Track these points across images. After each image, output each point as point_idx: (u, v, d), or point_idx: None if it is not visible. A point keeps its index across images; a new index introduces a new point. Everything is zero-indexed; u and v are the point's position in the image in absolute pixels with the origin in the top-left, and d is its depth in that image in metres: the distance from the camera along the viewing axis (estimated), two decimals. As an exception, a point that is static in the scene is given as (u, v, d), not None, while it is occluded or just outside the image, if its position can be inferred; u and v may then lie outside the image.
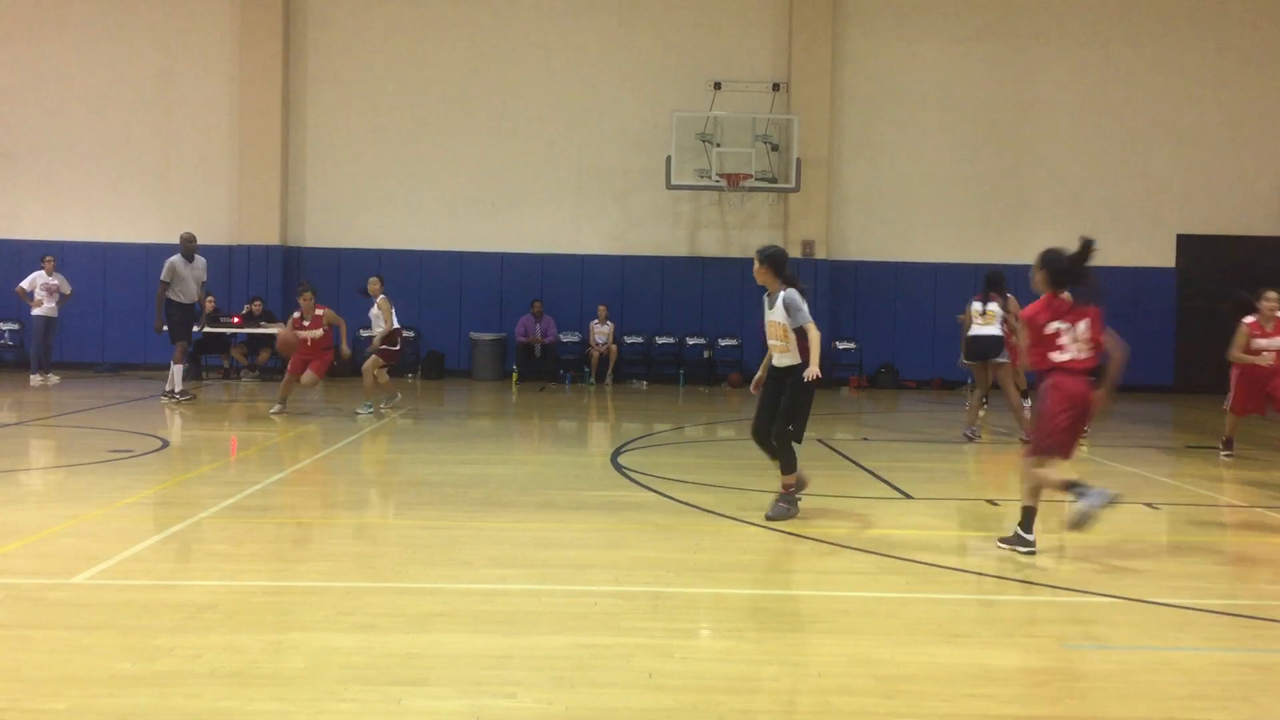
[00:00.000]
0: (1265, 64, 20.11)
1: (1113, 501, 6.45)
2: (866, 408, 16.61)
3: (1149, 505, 8.57)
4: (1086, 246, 6.58)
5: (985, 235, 20.00)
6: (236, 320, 18.63)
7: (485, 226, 20.06)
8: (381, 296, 13.73)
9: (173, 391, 14.14)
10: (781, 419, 7.35)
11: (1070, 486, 6.59)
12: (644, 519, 7.50)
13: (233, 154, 19.77)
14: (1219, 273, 20.26)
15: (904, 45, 20.09)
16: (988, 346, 12.00)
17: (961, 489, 9.09)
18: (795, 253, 19.73)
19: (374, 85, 19.95)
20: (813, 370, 7.20)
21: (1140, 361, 19.72)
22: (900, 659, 4.71)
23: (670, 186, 19.17)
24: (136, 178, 19.84)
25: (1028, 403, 14.72)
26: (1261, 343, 10.77)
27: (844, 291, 20.02)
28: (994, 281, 12.04)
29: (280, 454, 10.41)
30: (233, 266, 19.41)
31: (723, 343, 19.72)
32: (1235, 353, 10.94)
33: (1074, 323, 6.68)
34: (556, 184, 20.07)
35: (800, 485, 7.56)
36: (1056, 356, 6.66)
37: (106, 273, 19.57)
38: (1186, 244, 20.29)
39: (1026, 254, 21.35)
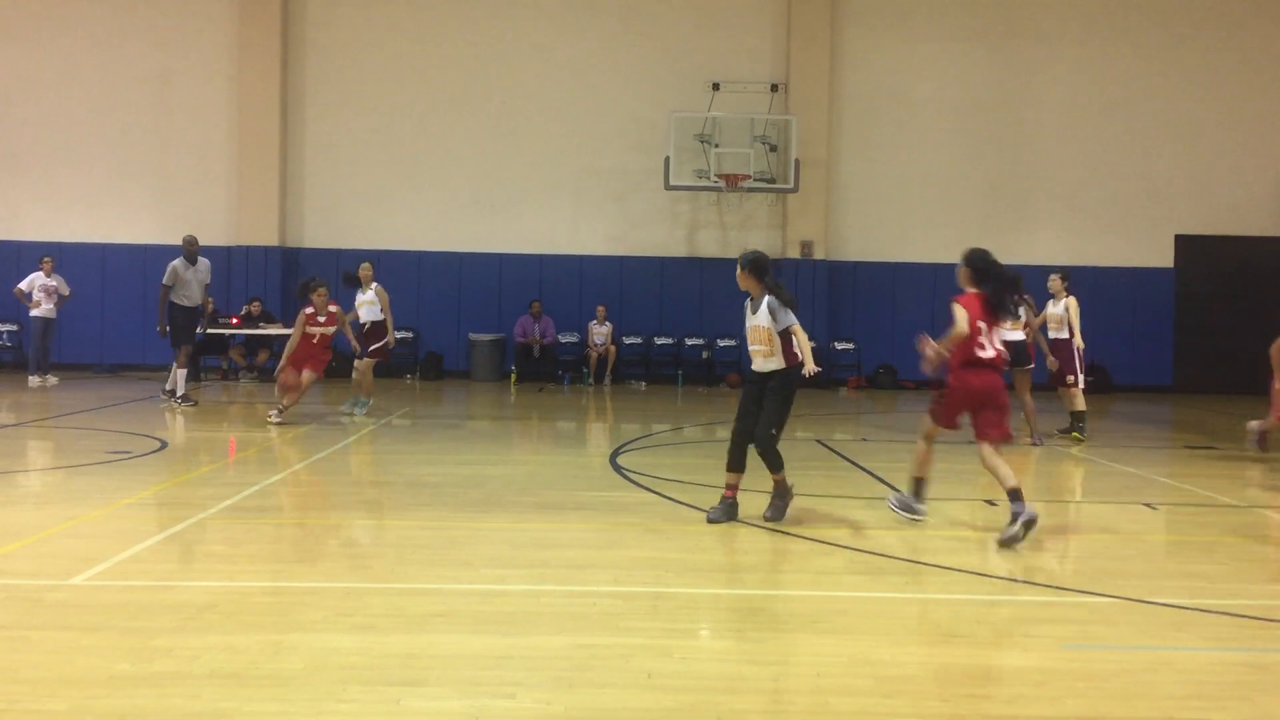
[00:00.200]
0: (1264, 64, 20.12)
1: (1030, 523, 6.76)
2: (865, 408, 16.61)
3: (1148, 505, 8.58)
4: (1011, 277, 7.25)
5: (984, 235, 19.91)
6: (235, 321, 18.62)
7: (484, 227, 20.06)
8: (376, 284, 13.64)
9: (173, 392, 14.10)
10: (764, 424, 7.33)
11: (1014, 495, 6.86)
12: (643, 519, 7.49)
13: (231, 155, 19.77)
14: (1217, 273, 20.32)
15: (902, 45, 20.11)
16: (1020, 352, 11.86)
17: (960, 489, 9.09)
18: (794, 253, 19.77)
19: (373, 86, 19.95)
20: (810, 367, 7.20)
21: (1139, 361, 20.12)
22: (899, 659, 4.71)
23: (669, 187, 19.17)
24: (135, 178, 19.84)
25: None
26: None
27: (843, 292, 20.02)
28: (1019, 285, 11.95)
29: (279, 455, 10.40)
30: (231, 267, 19.40)
31: (721, 343, 19.73)
32: None
33: (992, 325, 7.09)
34: (555, 184, 20.07)
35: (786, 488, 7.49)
36: (979, 353, 7.03)
37: (105, 274, 19.56)
38: (1185, 244, 20.31)
39: (1026, 254, 21.36)
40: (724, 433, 13.72)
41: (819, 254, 19.80)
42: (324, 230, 20.04)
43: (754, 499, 7.60)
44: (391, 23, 19.96)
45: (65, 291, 17.22)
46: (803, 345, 7.25)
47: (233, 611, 5.13)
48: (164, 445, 10.65)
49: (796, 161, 18.97)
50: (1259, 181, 20.23)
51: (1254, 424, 11.33)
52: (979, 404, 7.09)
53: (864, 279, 20.04)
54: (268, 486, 8.51)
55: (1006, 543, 6.76)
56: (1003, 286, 7.14)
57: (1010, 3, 20.16)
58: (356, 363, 13.46)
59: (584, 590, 5.64)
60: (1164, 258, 20.34)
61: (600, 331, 19.58)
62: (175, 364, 14.19)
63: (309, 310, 12.67)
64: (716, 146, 18.84)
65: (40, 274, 17.01)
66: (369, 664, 4.45)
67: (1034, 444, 11.85)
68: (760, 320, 7.34)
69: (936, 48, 20.10)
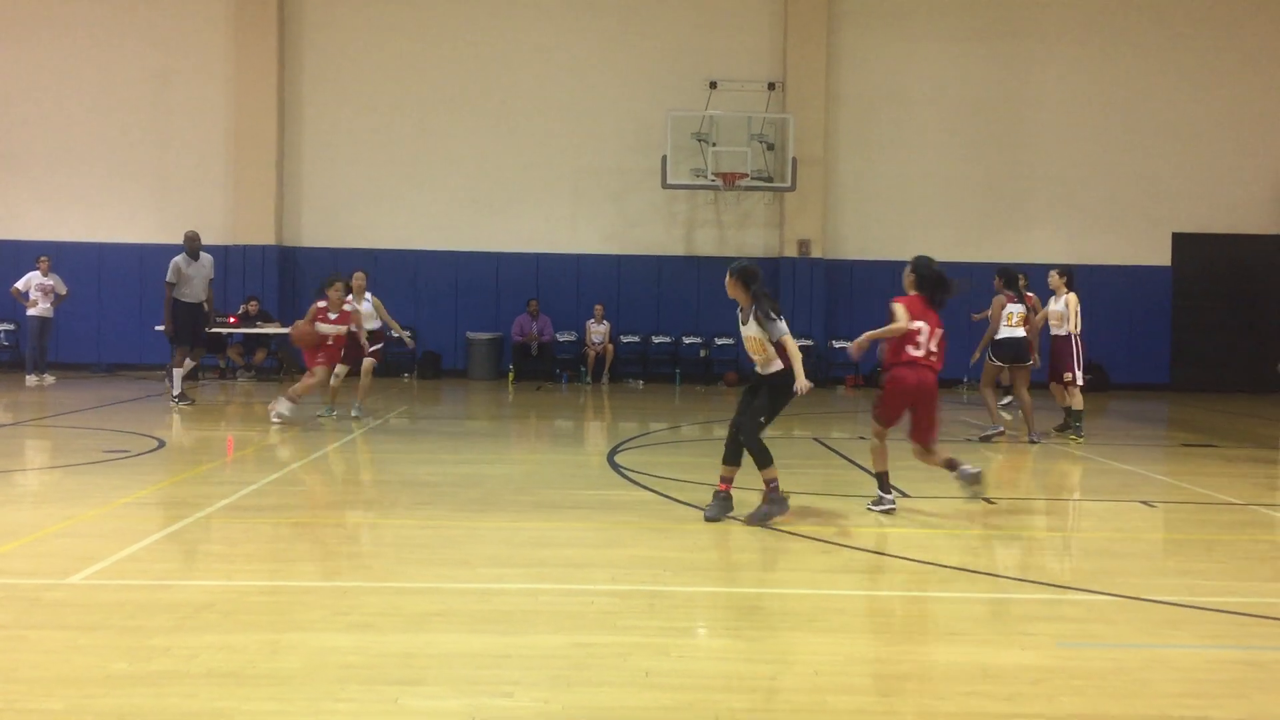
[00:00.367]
0: (1261, 63, 20.15)
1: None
2: (862, 406, 16.61)
3: (1145, 503, 8.58)
4: (950, 280, 7.73)
5: (981, 234, 20.02)
6: (232, 320, 18.62)
7: (481, 226, 20.06)
8: (370, 294, 13.58)
9: (182, 394, 14.08)
10: (753, 412, 7.33)
11: (952, 466, 7.70)
12: (641, 518, 7.50)
13: (229, 154, 19.77)
14: (1214, 271, 20.34)
15: (899, 44, 20.11)
16: (1021, 349, 11.97)
17: (957, 487, 9.09)
18: (791, 252, 19.78)
19: (370, 85, 19.94)
20: (801, 383, 7.13)
21: (1136, 360, 20.13)
22: (896, 657, 4.71)
23: (666, 186, 19.18)
24: (133, 178, 19.82)
25: (1006, 400, 14.80)
26: None
27: (840, 290, 20.03)
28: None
29: (276, 454, 10.39)
30: (228, 266, 19.37)
31: (719, 342, 19.73)
32: None
33: (932, 327, 7.60)
34: (553, 183, 20.07)
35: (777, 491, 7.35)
36: (911, 351, 7.57)
37: (102, 273, 19.55)
38: (1182, 242, 20.32)
39: (1023, 253, 21.37)
40: (721, 431, 13.72)
41: (816, 253, 19.80)
42: (321, 230, 20.03)
43: (752, 498, 7.60)
44: (389, 22, 19.95)
45: (62, 291, 17.21)
46: (794, 358, 7.19)
47: (230, 611, 5.13)
48: (162, 444, 10.64)
49: (794, 160, 18.98)
50: (1256, 180, 20.26)
51: None
52: (915, 401, 7.64)
53: (861, 278, 20.03)
54: (265, 485, 8.50)
55: (875, 509, 7.66)
56: (942, 290, 7.71)
57: (1008, 2, 20.18)
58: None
59: (582, 589, 5.64)
60: (1161, 256, 20.36)
61: (598, 330, 19.58)
62: (171, 362, 14.18)
63: (321, 304, 12.50)
64: (714, 145, 18.84)
65: (37, 273, 17.00)
66: (367, 663, 4.45)
67: (1031, 441, 11.86)
68: (751, 331, 7.34)
69: (934, 47, 20.10)
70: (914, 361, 7.57)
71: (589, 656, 4.58)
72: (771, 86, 19.85)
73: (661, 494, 8.39)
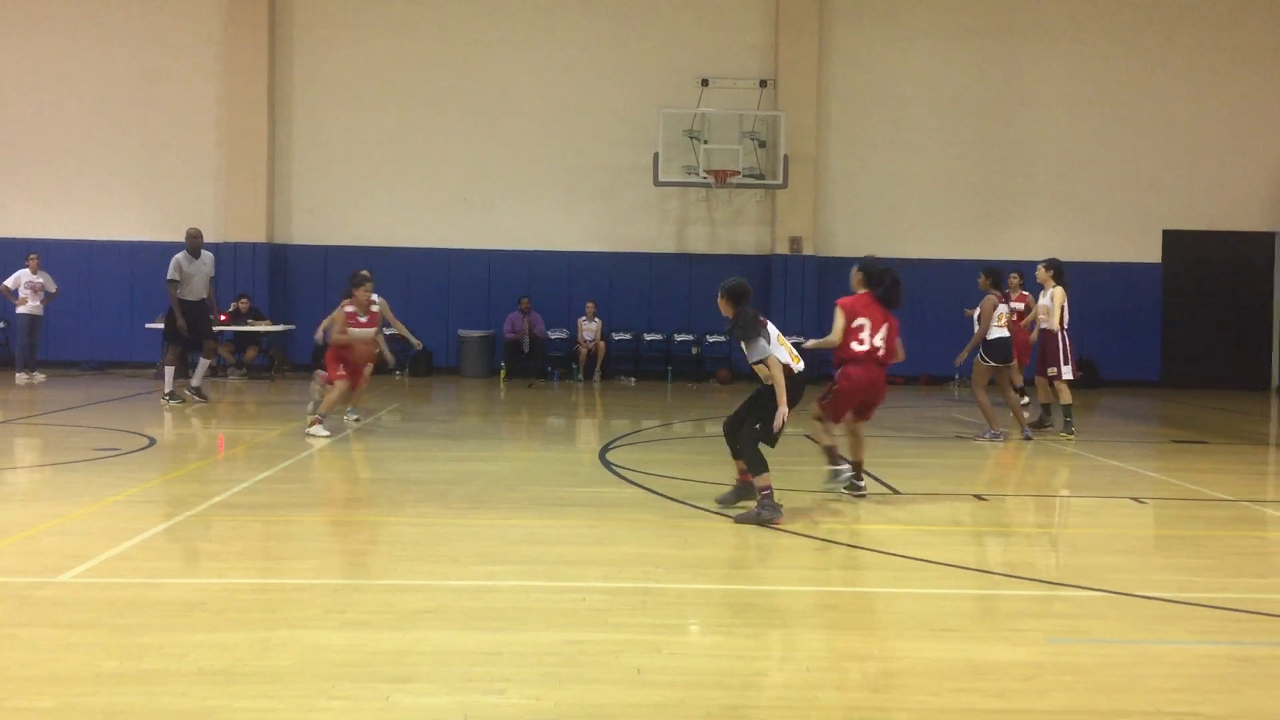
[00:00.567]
0: (1252, 60, 20.19)
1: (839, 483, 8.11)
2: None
3: (1136, 499, 8.61)
4: (896, 276, 8.14)
5: (974, 232, 20.04)
6: (223, 318, 18.54)
7: (473, 223, 20.02)
8: (377, 296, 13.26)
9: (198, 390, 14.00)
10: (753, 416, 7.34)
11: (830, 453, 8.12)
12: (632, 515, 7.50)
13: (219, 152, 19.70)
14: (1204, 268, 20.40)
15: (892, 41, 20.12)
16: (1004, 349, 11.93)
17: (949, 484, 9.11)
18: (783, 249, 19.78)
19: (360, 82, 19.89)
20: (782, 412, 7.03)
21: (1126, 357, 20.16)
22: (887, 653, 4.72)
23: (658, 183, 19.15)
24: (123, 176, 19.74)
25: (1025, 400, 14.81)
26: None
27: (831, 288, 19.95)
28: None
29: (268, 452, 10.37)
30: (219, 264, 19.28)
31: (710, 339, 19.71)
32: None
33: (877, 323, 7.91)
34: (544, 181, 20.04)
35: (767, 491, 7.27)
36: (855, 347, 7.89)
37: (92, 271, 19.47)
38: (1172, 239, 20.37)
39: (1015, 249, 21.36)
40: (713, 428, 13.74)
41: (808, 250, 19.81)
42: (312, 227, 19.98)
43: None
44: (378, 19, 19.88)
45: (52, 288, 17.14)
46: (778, 384, 7.07)
47: (221, 608, 5.12)
48: (152, 442, 10.62)
49: (785, 157, 18.97)
50: (1247, 177, 20.30)
51: None
52: (864, 396, 7.98)
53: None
54: (256, 483, 8.49)
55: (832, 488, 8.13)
56: (892, 289, 8.07)
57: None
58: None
59: (573, 586, 5.65)
60: (1151, 253, 20.40)
61: (589, 328, 19.57)
62: (164, 361, 14.12)
63: (349, 309, 11.50)
64: (705, 142, 18.82)
65: (26, 271, 16.93)
66: (358, 660, 4.45)
67: (1025, 439, 11.87)
68: (742, 346, 7.34)
69: (926, 44, 20.11)
70: (862, 357, 7.90)
71: (581, 653, 4.58)
72: (763, 84, 19.85)
73: (653, 491, 8.39)
